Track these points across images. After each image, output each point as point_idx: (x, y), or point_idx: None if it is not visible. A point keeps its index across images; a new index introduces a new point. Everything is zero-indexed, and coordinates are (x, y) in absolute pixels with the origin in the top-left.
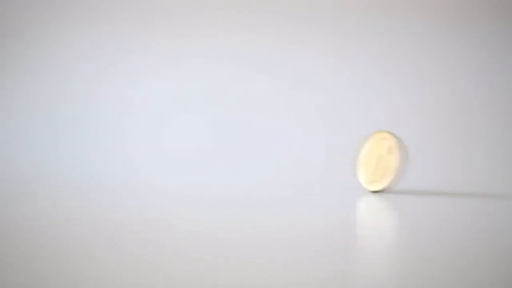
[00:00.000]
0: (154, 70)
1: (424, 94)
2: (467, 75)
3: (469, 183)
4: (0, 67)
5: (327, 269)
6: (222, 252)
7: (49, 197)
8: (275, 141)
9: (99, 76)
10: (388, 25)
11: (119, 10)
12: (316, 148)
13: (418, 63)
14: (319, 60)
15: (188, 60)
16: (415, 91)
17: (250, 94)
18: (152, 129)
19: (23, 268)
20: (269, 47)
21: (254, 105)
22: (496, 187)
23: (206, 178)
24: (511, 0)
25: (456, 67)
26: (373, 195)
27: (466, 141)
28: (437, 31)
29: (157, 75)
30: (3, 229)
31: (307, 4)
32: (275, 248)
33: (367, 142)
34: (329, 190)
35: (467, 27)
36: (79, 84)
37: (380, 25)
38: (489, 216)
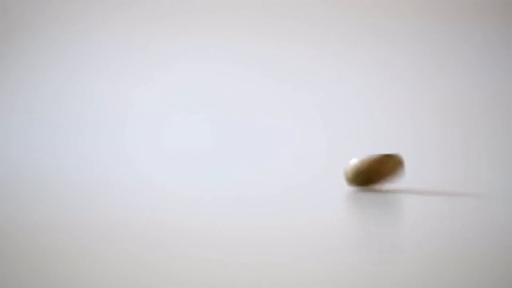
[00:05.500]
0: (154, 70)
1: (424, 94)
2: (467, 75)
3: (469, 183)
4: (1, 67)
5: (323, 268)
6: (221, 251)
7: (49, 197)
8: (274, 141)
9: (99, 76)
10: (388, 26)
11: (119, 10)
12: (315, 148)
13: (418, 63)
14: (319, 61)
15: (188, 60)
16: (415, 92)
17: (250, 94)
18: (152, 129)
19: (23, 267)
20: (270, 48)
21: (254, 105)
22: (496, 187)
23: (206, 177)
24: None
25: (456, 66)
26: (371, 195)
27: (466, 141)
28: (436, 31)
29: (157, 75)
30: (3, 229)
31: (308, 4)
32: (274, 247)
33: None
34: (328, 190)
35: (467, 27)
36: (79, 84)
37: (380, 26)
38: (489, 216)
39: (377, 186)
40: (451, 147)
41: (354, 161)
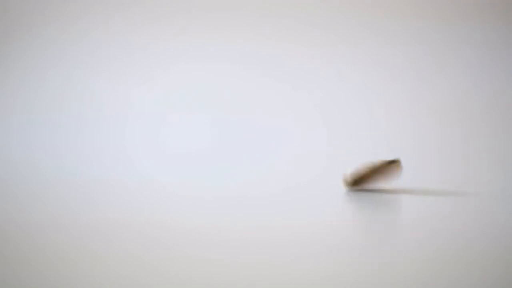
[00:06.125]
0: (154, 70)
1: (424, 94)
2: (467, 75)
3: (469, 183)
4: (1, 67)
5: (323, 268)
6: (221, 251)
7: (49, 197)
8: (274, 141)
9: (99, 76)
10: (388, 26)
11: (119, 10)
12: (315, 149)
13: (418, 63)
14: (319, 61)
15: (188, 60)
16: (415, 92)
17: (250, 94)
18: (152, 129)
19: (23, 267)
20: (270, 48)
21: (254, 105)
22: (496, 187)
23: (206, 177)
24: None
25: (456, 66)
26: (370, 195)
27: (466, 141)
28: (436, 31)
29: (157, 75)
30: (3, 229)
31: (308, 4)
32: (274, 247)
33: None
34: (327, 190)
35: (467, 27)
36: (79, 84)
37: (380, 26)
38: (489, 216)
39: (374, 185)
40: (451, 147)
41: (352, 169)
